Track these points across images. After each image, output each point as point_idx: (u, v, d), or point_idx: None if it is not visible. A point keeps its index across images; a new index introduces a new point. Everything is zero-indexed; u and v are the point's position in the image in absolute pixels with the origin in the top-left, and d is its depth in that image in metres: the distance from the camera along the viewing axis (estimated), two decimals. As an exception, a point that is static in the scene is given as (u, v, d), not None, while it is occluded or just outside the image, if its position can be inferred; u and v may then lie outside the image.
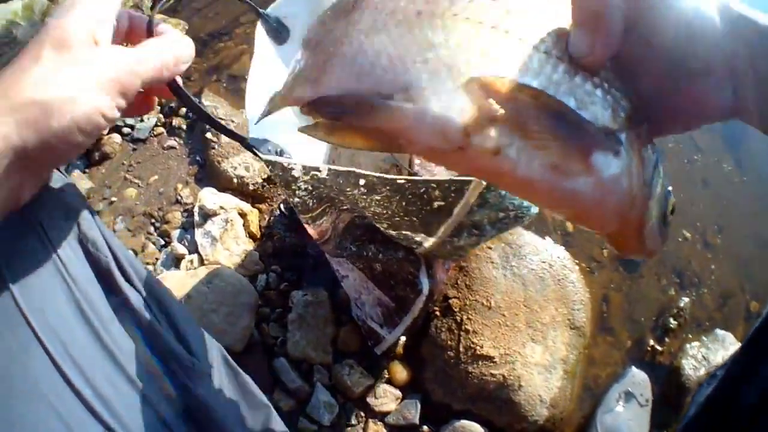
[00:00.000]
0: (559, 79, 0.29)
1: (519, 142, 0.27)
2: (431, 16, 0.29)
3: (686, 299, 1.12)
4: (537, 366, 0.98)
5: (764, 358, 0.49)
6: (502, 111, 0.27)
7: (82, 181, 1.12)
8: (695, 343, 1.10)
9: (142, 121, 1.18)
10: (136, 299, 0.51)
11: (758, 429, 0.47)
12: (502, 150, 0.27)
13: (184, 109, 1.22)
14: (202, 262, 1.03)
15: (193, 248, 1.05)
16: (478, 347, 0.95)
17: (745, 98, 0.32)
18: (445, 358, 0.96)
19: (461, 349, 0.96)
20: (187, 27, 1.38)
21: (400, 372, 0.98)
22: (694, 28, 0.30)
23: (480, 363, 0.95)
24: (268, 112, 0.38)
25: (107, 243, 0.51)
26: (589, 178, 0.28)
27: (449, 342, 0.97)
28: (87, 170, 1.15)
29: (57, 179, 0.53)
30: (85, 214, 0.50)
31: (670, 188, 0.33)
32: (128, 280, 0.52)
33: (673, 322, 1.10)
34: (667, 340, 1.10)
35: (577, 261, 1.05)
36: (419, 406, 0.97)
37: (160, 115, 1.21)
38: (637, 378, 1.05)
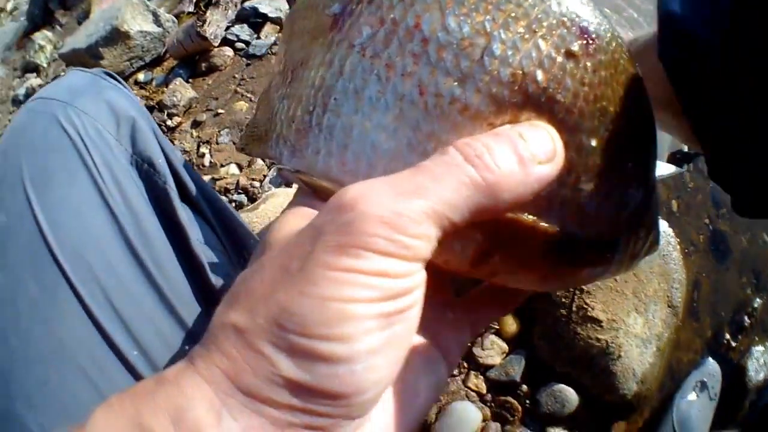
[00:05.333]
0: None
1: (512, 270, 0.26)
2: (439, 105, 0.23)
3: (759, 300, 1.16)
4: (636, 338, 0.98)
5: None
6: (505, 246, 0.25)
7: (184, 90, 1.05)
8: (760, 347, 1.13)
9: (258, 38, 1.13)
10: (197, 230, 0.41)
11: None
12: (497, 274, 0.26)
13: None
14: (317, 184, 0.98)
15: (307, 170, 1.00)
16: (589, 309, 0.95)
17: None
18: (557, 315, 0.95)
19: (573, 308, 0.95)
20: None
21: (511, 324, 0.96)
22: None
23: (588, 325, 0.95)
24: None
25: (168, 161, 0.42)
26: (574, 279, 0.27)
27: (563, 299, 0.96)
28: (190, 80, 1.08)
29: (108, 86, 0.43)
30: (141, 127, 0.41)
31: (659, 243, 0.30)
32: (193, 205, 0.43)
33: (747, 321, 1.15)
34: (739, 337, 1.13)
35: (678, 240, 1.08)
36: (524, 363, 0.94)
37: (279, 34, 1.16)
38: (713, 369, 1.07)
